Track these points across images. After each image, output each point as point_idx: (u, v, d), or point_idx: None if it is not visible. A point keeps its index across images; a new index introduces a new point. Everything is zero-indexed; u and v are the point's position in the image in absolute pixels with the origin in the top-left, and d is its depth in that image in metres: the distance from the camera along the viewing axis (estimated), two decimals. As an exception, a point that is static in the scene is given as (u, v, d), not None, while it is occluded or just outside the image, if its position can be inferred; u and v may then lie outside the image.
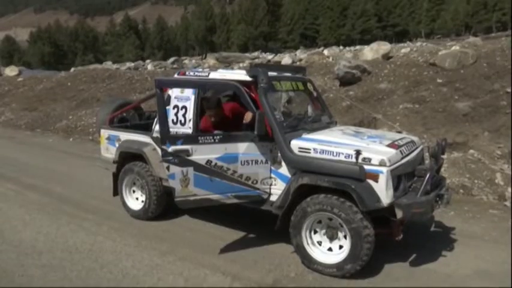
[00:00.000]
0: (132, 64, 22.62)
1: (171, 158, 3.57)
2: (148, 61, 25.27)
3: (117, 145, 5.09)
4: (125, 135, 5.05)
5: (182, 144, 3.59)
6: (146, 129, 5.11)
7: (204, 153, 3.63)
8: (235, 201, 3.83)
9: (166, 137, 3.59)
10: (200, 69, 4.69)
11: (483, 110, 7.55)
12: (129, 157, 4.95)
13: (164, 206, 4.84)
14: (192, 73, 4.52)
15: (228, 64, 16.28)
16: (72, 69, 21.59)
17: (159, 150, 4.62)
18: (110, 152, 5.21)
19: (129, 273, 3.62)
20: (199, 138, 3.66)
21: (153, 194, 4.71)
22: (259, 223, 4.39)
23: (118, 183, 5.08)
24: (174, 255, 3.95)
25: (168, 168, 3.58)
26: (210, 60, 17.86)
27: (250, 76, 3.95)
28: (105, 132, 5.29)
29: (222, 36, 70.06)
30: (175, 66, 19.47)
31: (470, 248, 4.07)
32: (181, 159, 3.57)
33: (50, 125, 12.91)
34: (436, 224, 4.69)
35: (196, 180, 3.62)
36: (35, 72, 27.35)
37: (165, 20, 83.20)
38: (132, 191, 5.05)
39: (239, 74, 4.19)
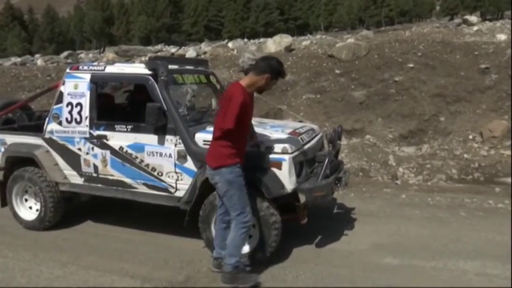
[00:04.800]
0: (19, 59, 20.29)
1: (95, 140, 4.07)
2: (38, 55, 22.90)
3: (2, 150, 4.60)
4: (12, 138, 4.61)
5: (103, 130, 4.03)
6: (37, 130, 4.65)
7: (118, 139, 3.96)
8: (145, 189, 3.96)
9: (93, 123, 4.06)
10: (95, 64, 4.40)
11: (376, 98, 8.24)
12: (18, 162, 4.51)
13: (62, 212, 4.47)
14: (86, 67, 4.26)
15: (129, 58, 15.51)
16: None
17: (53, 152, 4.29)
18: (-6, 158, 4.65)
19: (25, 290, 3.29)
20: (115, 125, 3.99)
21: (49, 200, 4.32)
22: (167, 221, 4.28)
23: (6, 193, 4.58)
24: (76, 265, 3.68)
25: (92, 148, 4.08)
26: (109, 54, 16.79)
27: (150, 69, 3.84)
28: (-14, 136, 4.70)
29: (121, 28, 66.40)
30: (69, 61, 18.01)
31: (368, 225, 4.43)
32: (102, 143, 4.04)
33: None
34: (338, 206, 5.02)
35: (112, 162, 4.02)
36: None
37: (55, 10, 75.86)
38: (24, 200, 4.59)
39: (138, 68, 4.11)
